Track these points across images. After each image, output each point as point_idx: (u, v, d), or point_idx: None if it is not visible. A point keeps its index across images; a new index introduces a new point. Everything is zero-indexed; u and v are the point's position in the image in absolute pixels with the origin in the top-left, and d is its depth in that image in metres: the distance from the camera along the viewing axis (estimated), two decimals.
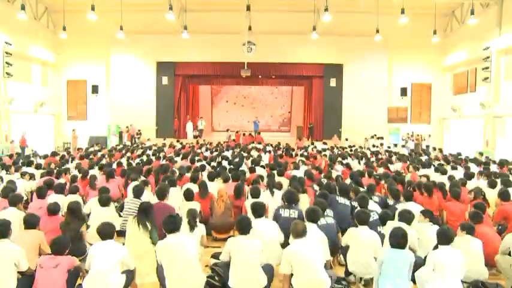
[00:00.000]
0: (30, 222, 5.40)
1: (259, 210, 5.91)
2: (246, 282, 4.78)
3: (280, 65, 25.02)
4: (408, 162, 13.02)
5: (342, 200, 7.45)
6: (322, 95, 25.47)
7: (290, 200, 6.71)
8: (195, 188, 8.18)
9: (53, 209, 6.23)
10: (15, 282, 4.54)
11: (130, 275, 4.88)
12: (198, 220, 5.83)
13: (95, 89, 25.04)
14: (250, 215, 6.03)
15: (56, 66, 24.86)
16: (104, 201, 6.88)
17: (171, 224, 4.90)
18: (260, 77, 26.40)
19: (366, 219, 5.72)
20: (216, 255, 6.12)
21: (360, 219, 5.69)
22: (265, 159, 14.51)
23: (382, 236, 5.70)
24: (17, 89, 20.24)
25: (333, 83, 25.22)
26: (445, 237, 4.81)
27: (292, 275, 4.77)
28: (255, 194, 7.36)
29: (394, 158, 14.79)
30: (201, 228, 5.76)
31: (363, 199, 6.57)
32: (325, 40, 23.54)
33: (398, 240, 4.67)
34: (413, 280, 5.00)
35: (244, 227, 4.96)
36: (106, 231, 4.90)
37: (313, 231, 5.34)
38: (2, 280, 4.46)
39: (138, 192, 7.29)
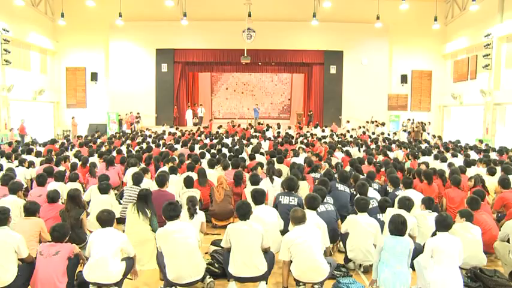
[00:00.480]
0: (31, 210, 5.41)
1: (259, 197, 5.93)
2: (246, 268, 4.80)
3: (280, 52, 24.87)
4: (408, 150, 13.04)
5: (341, 187, 7.47)
6: (322, 82, 25.38)
7: (290, 187, 6.72)
8: (194, 175, 8.20)
9: (53, 197, 6.24)
10: (16, 269, 4.57)
11: (130, 262, 4.91)
12: (197, 207, 5.85)
13: (94, 77, 24.94)
14: (250, 202, 6.06)
15: (54, 53, 24.73)
16: (104, 189, 6.89)
17: (171, 212, 4.92)
18: (260, 64, 26.28)
19: (366, 206, 5.74)
20: (215, 243, 6.16)
21: (359, 206, 5.72)
22: (265, 146, 14.52)
23: (381, 223, 5.72)
24: (15, 76, 20.15)
25: (333, 70, 25.11)
26: (443, 224, 4.83)
27: (291, 261, 4.80)
28: (255, 181, 7.37)
29: (394, 145, 14.78)
30: (200, 216, 5.78)
31: (363, 186, 6.58)
32: (325, 27, 23.40)
33: (398, 227, 4.69)
34: (412, 267, 5.04)
35: (244, 213, 4.97)
36: (105, 219, 4.92)
37: (313, 218, 5.35)
38: (2, 267, 4.48)
39: (137, 179, 7.31)
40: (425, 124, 22.65)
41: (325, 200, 6.29)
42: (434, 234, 5.06)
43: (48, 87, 23.59)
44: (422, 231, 5.78)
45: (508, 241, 5.45)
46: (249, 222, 4.95)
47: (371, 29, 23.13)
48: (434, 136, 20.27)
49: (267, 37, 24.07)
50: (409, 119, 23.62)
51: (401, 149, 13.88)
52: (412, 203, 5.83)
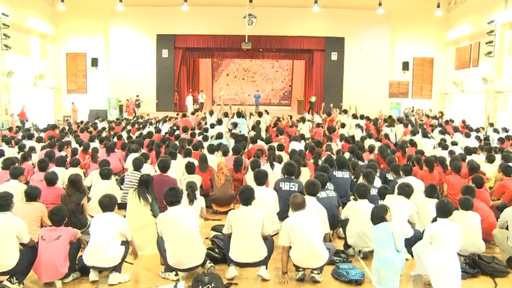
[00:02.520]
0: (32, 195, 5.44)
1: (261, 178, 5.98)
2: (246, 254, 4.84)
3: (281, 38, 24.71)
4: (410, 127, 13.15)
5: (339, 173, 7.49)
6: (323, 68, 25.26)
7: (290, 173, 6.74)
8: (195, 161, 8.22)
9: (51, 178, 6.25)
10: (18, 254, 4.61)
11: (128, 246, 4.97)
12: (197, 193, 5.88)
13: (94, 62, 24.82)
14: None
15: (55, 38, 24.58)
16: (105, 174, 6.93)
17: (172, 197, 4.95)
18: (261, 50, 26.14)
19: (366, 192, 5.78)
20: (216, 228, 6.21)
21: (359, 192, 5.76)
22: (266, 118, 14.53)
23: None
24: (15, 61, 20.05)
25: (334, 56, 24.97)
26: (443, 210, 4.87)
27: (290, 247, 4.84)
28: (255, 167, 7.40)
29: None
30: (200, 201, 5.82)
31: (370, 174, 6.65)
32: (326, 13, 23.21)
33: (375, 218, 4.79)
34: (411, 253, 5.07)
35: (247, 198, 5.00)
36: (107, 203, 4.98)
37: (313, 204, 5.39)
38: (4, 252, 4.52)
39: (138, 165, 7.34)
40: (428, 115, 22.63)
41: (326, 186, 6.31)
42: (434, 220, 5.09)
43: (49, 73, 23.50)
44: (422, 218, 5.81)
45: (507, 228, 5.48)
46: (251, 208, 4.99)
47: (373, 15, 22.93)
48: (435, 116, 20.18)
49: (268, 23, 23.91)
50: (409, 108, 23.46)
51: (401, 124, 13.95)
52: (412, 189, 5.86)
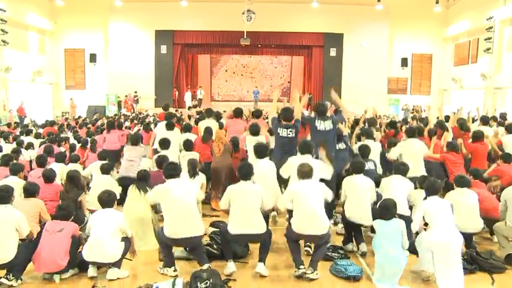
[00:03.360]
0: (30, 191, 5.43)
1: (262, 151, 5.96)
2: (244, 226, 4.86)
3: (280, 34, 24.70)
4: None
5: (322, 125, 6.85)
6: (322, 64, 25.26)
7: (287, 118, 6.68)
8: (193, 136, 8.25)
9: (49, 175, 6.23)
10: (16, 246, 4.62)
11: (128, 242, 4.98)
12: (198, 169, 6.12)
13: (93, 58, 24.78)
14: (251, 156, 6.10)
15: (53, 34, 24.51)
16: (106, 169, 6.95)
17: (171, 170, 4.99)
18: (260, 46, 26.10)
19: (362, 167, 5.88)
20: (215, 224, 6.21)
21: (355, 167, 5.85)
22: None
23: (379, 197, 5.79)
24: (13, 57, 20.00)
25: (333, 52, 24.96)
26: (432, 189, 4.98)
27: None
28: (254, 131, 7.45)
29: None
30: (201, 177, 5.88)
31: (365, 148, 6.74)
32: (325, 9, 23.18)
33: (387, 210, 4.80)
34: (409, 250, 5.07)
35: (246, 173, 5.02)
36: (106, 199, 5.00)
37: (310, 161, 5.41)
38: (2, 244, 4.53)
39: (135, 140, 7.42)
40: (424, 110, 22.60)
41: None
42: (424, 199, 5.15)
43: (47, 69, 23.44)
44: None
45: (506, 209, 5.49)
46: (250, 182, 5.02)
47: (372, 11, 22.91)
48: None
49: (267, 19, 23.85)
50: (406, 104, 23.45)
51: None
52: (407, 167, 5.98)
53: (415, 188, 6.00)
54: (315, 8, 22.11)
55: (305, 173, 4.97)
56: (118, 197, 6.46)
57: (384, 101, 24.33)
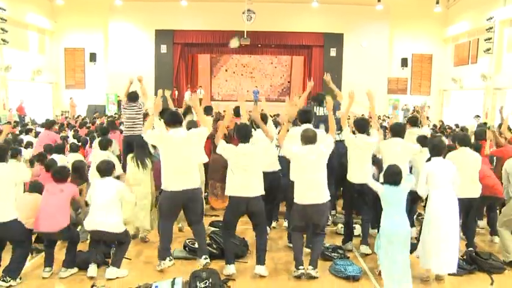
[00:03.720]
0: (37, 188, 5.47)
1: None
2: (244, 188, 4.86)
3: (280, 33, 24.66)
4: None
5: (321, 110, 7.12)
6: (322, 64, 25.21)
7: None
8: None
9: (51, 165, 6.20)
10: (14, 203, 4.70)
11: (128, 238, 5.12)
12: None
13: (93, 57, 24.76)
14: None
15: (53, 33, 24.49)
16: (104, 145, 7.02)
17: (174, 116, 5.00)
18: (260, 46, 26.07)
19: (365, 125, 5.77)
20: (214, 224, 6.21)
21: (359, 126, 5.79)
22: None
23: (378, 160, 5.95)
24: (13, 56, 19.98)
25: (333, 52, 24.94)
26: (436, 149, 4.96)
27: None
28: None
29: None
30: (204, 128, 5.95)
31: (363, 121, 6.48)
32: (325, 9, 23.17)
33: (393, 177, 4.72)
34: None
35: (244, 135, 5.00)
36: (105, 168, 5.04)
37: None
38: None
39: (132, 97, 7.50)
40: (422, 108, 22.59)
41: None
42: (428, 160, 5.14)
43: (47, 68, 23.42)
44: (418, 168, 5.69)
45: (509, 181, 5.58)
46: (249, 144, 5.00)
47: (372, 11, 22.90)
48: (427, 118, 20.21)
49: (267, 19, 23.82)
50: (406, 104, 23.41)
51: None
52: (404, 128, 5.91)
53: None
54: (315, 8, 22.09)
55: (309, 138, 4.92)
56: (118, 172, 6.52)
57: (384, 101, 24.31)
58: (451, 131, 14.05)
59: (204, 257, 4.84)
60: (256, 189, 4.90)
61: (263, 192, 4.97)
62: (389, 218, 4.64)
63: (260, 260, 4.94)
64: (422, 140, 5.95)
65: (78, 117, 17.97)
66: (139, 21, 24.33)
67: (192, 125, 6.04)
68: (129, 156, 6.08)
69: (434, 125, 16.19)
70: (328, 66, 24.86)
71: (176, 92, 25.20)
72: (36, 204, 5.24)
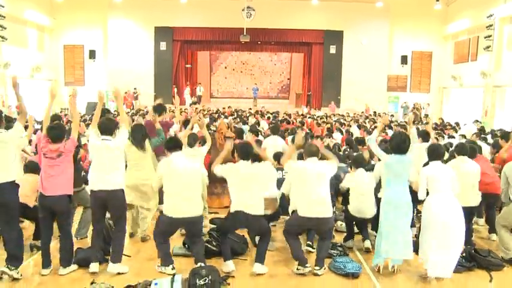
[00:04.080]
0: (31, 167, 5.50)
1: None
2: (244, 204, 4.86)
3: (279, 31, 24.65)
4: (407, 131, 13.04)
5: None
6: (321, 62, 25.22)
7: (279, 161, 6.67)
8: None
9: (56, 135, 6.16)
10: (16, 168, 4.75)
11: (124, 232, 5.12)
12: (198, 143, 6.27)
13: (92, 55, 24.71)
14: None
15: (52, 30, 24.44)
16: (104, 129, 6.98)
17: (174, 142, 5.06)
18: (259, 43, 26.05)
19: (362, 161, 5.90)
20: (214, 221, 6.20)
21: (356, 162, 5.86)
22: (263, 124, 14.48)
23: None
24: (12, 53, 19.94)
25: (332, 49, 24.92)
26: (435, 153, 4.98)
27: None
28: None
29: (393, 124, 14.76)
30: (203, 148, 6.06)
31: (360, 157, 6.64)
32: (325, 6, 23.16)
33: (399, 145, 4.81)
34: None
35: (246, 152, 5.04)
36: (107, 126, 4.90)
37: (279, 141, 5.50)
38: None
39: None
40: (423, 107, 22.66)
41: None
42: (426, 164, 5.16)
43: (46, 65, 23.38)
44: (419, 163, 5.75)
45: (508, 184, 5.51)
46: (248, 162, 5.01)
47: (372, 8, 22.88)
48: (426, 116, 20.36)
49: (267, 16, 23.80)
50: (405, 102, 23.44)
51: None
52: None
53: None
54: (315, 5, 22.06)
55: (312, 152, 4.96)
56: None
57: (384, 98, 24.29)
58: (451, 128, 14.02)
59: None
60: (256, 208, 4.89)
61: (263, 213, 4.96)
62: (393, 188, 4.73)
63: (260, 259, 4.95)
64: (423, 135, 6.01)
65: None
66: (138, 18, 24.29)
67: (193, 138, 6.13)
68: (128, 142, 5.97)
69: (436, 123, 16.17)
70: (328, 63, 24.92)
71: (175, 90, 25.23)
72: (35, 184, 5.26)
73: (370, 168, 6.04)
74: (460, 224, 4.64)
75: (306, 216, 4.83)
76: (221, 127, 7.84)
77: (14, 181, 4.69)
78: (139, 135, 5.83)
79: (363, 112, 21.28)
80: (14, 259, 4.64)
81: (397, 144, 4.82)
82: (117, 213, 4.96)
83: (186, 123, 8.31)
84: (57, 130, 4.79)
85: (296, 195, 5.01)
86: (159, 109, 7.20)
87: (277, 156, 6.32)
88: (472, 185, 5.51)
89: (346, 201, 5.91)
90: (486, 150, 8.63)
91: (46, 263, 4.84)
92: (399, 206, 4.73)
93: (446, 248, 4.61)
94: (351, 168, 5.99)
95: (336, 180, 5.81)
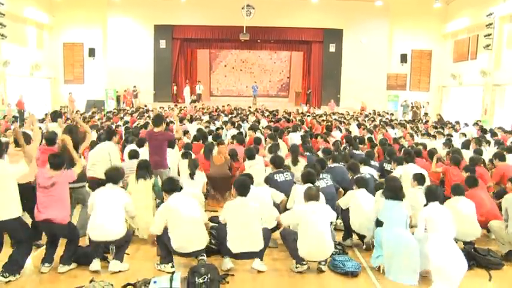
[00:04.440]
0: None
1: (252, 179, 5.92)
2: (242, 243, 4.85)
3: (279, 29, 24.63)
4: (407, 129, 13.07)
5: (333, 164, 7.45)
6: (321, 60, 25.21)
7: (279, 165, 6.74)
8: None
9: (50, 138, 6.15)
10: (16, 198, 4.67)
11: (129, 233, 5.12)
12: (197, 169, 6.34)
13: (91, 52, 24.69)
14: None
15: (51, 28, 24.42)
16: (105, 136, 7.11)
17: (171, 185, 5.03)
18: (259, 41, 26.03)
19: (365, 183, 5.85)
20: (213, 219, 6.19)
21: (359, 183, 5.84)
22: (263, 123, 14.50)
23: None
24: (12, 51, 19.91)
25: (332, 48, 24.91)
26: (432, 195, 4.98)
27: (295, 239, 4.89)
28: (250, 155, 7.42)
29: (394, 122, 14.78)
30: (201, 175, 6.16)
31: (354, 165, 6.87)
32: (325, 4, 23.14)
33: (395, 191, 4.90)
34: None
35: (243, 188, 5.03)
36: (113, 176, 5.03)
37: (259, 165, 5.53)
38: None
39: (133, 154, 7.39)
40: (422, 106, 22.65)
41: (323, 176, 6.32)
42: (425, 205, 5.13)
43: (45, 63, 23.36)
44: (415, 207, 5.69)
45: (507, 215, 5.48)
46: (247, 199, 5.00)
47: (371, 7, 22.85)
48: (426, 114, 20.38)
49: (267, 14, 23.79)
50: (405, 101, 23.45)
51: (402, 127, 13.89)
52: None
53: None
54: (315, 4, 22.00)
55: (313, 196, 4.98)
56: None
57: (383, 97, 24.28)
58: (451, 127, 14.03)
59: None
60: (254, 245, 4.89)
61: (262, 247, 4.94)
62: (390, 230, 4.74)
63: (259, 254, 4.95)
64: (419, 178, 6.05)
65: (77, 112, 17.92)
66: (138, 16, 24.26)
67: (194, 164, 6.31)
68: (132, 176, 6.09)
69: (435, 122, 16.19)
70: (328, 62, 24.90)
71: (175, 88, 25.24)
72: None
73: (371, 190, 5.99)
74: (458, 265, 4.57)
75: (306, 258, 4.89)
76: (221, 150, 8.03)
77: (20, 217, 4.68)
78: (144, 172, 6.05)
79: (362, 111, 21.27)
80: (16, 265, 4.62)
81: (391, 191, 4.98)
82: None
83: (181, 120, 8.43)
84: (58, 159, 4.88)
85: (299, 236, 4.94)
86: (156, 121, 7.20)
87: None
88: (470, 222, 5.50)
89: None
90: (489, 151, 8.67)
91: (48, 259, 4.85)
92: (402, 250, 4.74)
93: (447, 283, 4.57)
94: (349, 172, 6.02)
95: (332, 201, 5.83)
